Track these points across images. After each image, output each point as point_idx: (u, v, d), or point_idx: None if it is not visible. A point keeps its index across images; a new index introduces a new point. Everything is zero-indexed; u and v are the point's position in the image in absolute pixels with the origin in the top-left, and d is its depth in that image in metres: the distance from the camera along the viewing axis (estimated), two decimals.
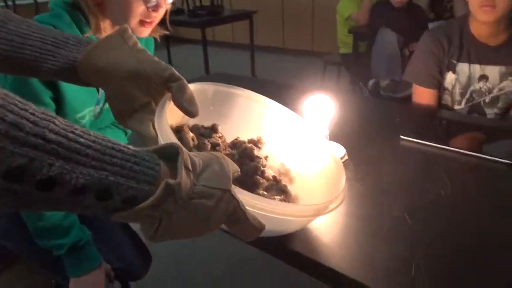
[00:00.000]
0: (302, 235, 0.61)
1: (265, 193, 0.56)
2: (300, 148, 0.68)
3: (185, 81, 0.49)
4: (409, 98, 2.03)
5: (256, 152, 0.63)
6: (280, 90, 1.32)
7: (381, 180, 0.75)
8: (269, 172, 0.62)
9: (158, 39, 0.92)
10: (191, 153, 0.37)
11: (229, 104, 0.66)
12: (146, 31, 0.81)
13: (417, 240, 0.60)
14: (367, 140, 0.92)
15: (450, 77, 1.22)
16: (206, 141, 0.58)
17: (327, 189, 0.58)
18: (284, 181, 0.63)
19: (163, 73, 0.47)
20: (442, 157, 0.84)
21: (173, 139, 0.42)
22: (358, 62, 2.56)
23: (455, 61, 1.20)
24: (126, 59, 0.47)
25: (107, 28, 0.81)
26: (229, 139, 0.65)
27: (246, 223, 0.38)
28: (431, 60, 1.22)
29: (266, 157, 0.65)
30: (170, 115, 0.50)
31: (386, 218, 0.64)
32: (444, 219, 0.64)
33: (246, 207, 0.38)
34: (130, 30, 0.50)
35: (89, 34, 0.78)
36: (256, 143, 0.66)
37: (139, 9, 0.76)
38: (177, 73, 0.49)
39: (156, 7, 0.78)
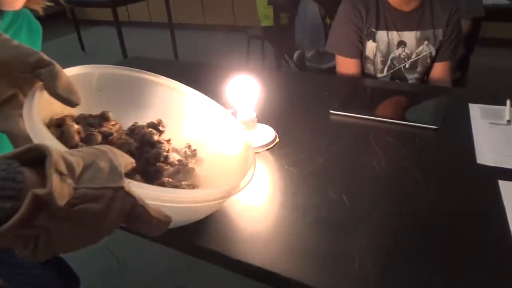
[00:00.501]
0: (225, 227, 0.56)
1: (170, 180, 0.52)
2: (207, 128, 0.64)
3: (57, 65, 0.41)
4: (334, 68, 2.06)
5: (156, 137, 0.57)
6: (202, 71, 1.23)
7: (315, 161, 0.72)
8: (174, 157, 0.58)
9: (41, 12, 0.78)
10: (68, 152, 0.32)
11: (123, 87, 0.59)
12: (19, 1, 0.67)
13: (358, 223, 0.57)
14: (297, 119, 0.88)
15: (370, 45, 1.22)
16: (95, 133, 0.51)
17: (238, 168, 0.55)
18: (191, 164, 0.59)
19: (27, 59, 0.40)
20: (372, 128, 0.83)
21: (46, 135, 0.37)
22: (281, 34, 2.53)
23: (374, 29, 1.20)
24: None
25: None
26: (128, 125, 0.59)
27: (149, 219, 0.34)
28: (351, 29, 1.21)
29: (169, 141, 0.60)
30: (47, 107, 0.44)
31: (323, 204, 0.61)
32: (381, 195, 0.62)
33: (147, 201, 0.34)
34: None
35: None
36: (156, 126, 0.60)
37: None
38: (46, 57, 0.40)
39: None
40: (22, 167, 0.28)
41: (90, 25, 5.12)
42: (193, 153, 0.62)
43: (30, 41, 0.83)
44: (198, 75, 1.19)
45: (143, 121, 0.61)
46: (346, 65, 1.25)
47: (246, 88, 0.73)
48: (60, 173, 0.29)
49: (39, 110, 0.41)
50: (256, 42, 2.99)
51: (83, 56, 4.25)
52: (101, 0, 3.11)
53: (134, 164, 0.38)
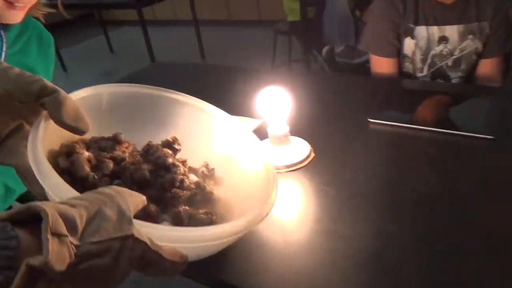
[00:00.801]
0: (249, 258, 0.51)
1: (186, 208, 0.49)
2: (225, 146, 0.60)
3: (62, 92, 0.38)
4: (367, 63, 1.96)
5: (171, 159, 0.53)
6: (229, 75, 1.18)
7: (356, 180, 0.65)
8: (191, 179, 0.55)
9: (43, 20, 0.75)
10: (69, 203, 0.29)
11: (133, 105, 0.57)
12: (17, 15, 0.64)
13: (410, 258, 0.50)
14: (332, 129, 0.82)
15: (409, 43, 1.13)
16: (106, 160, 0.48)
17: (258, 189, 0.52)
18: (209, 185, 0.56)
19: (30, 89, 0.37)
20: (416, 138, 0.75)
21: (50, 174, 0.35)
22: (308, 29, 2.44)
23: (412, 25, 1.10)
24: None
25: None
26: (143, 144, 0.56)
27: (163, 263, 0.33)
28: (387, 26, 1.12)
29: (185, 162, 0.57)
30: (56, 133, 0.42)
31: (368, 232, 0.55)
32: (433, 222, 0.55)
33: (160, 243, 0.33)
34: None
35: None
36: (171, 144, 0.57)
37: None
38: (49, 84, 0.37)
39: None
40: (17, 229, 0.26)
41: (118, 25, 5.19)
42: (211, 173, 0.58)
43: (41, 52, 0.81)
44: (225, 80, 1.14)
45: (158, 139, 0.58)
46: (382, 65, 1.16)
47: (277, 101, 0.67)
48: (59, 235, 0.26)
49: (46, 139, 0.40)
50: (283, 37, 2.91)
51: (112, 57, 4.31)
52: (126, 2, 3.12)
53: (145, 203, 0.36)
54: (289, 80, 1.11)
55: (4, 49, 0.70)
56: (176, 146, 0.57)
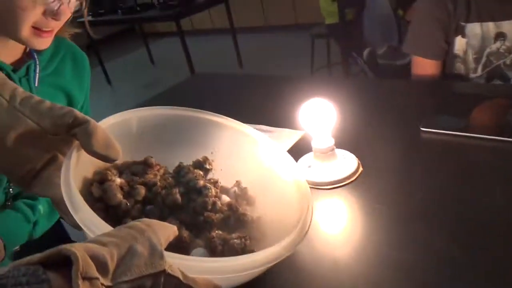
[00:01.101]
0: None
1: (220, 233, 0.49)
2: (257, 164, 0.59)
3: (92, 122, 0.40)
4: (410, 65, 1.86)
5: (202, 182, 0.53)
6: (269, 85, 1.15)
7: (412, 198, 0.60)
8: (223, 200, 0.55)
9: (69, 40, 0.76)
10: (100, 242, 0.30)
11: (164, 127, 0.58)
12: (45, 42, 0.64)
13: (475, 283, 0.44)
14: (380, 140, 0.76)
15: (460, 42, 1.04)
16: (138, 187, 0.49)
17: (293, 207, 0.51)
18: (242, 206, 0.55)
19: (62, 122, 0.38)
20: (475, 148, 0.68)
21: (82, 207, 0.36)
22: (347, 31, 2.37)
23: (463, 23, 1.02)
24: (5, 119, 0.37)
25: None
26: (174, 165, 0.57)
27: None
28: (433, 26, 1.05)
29: (216, 182, 0.57)
30: (89, 161, 0.43)
31: (432, 260, 0.49)
32: (509, 247, 0.49)
33: (193, 275, 0.33)
34: (1, 75, 0.38)
35: None
36: (202, 164, 0.58)
37: (33, 14, 0.58)
38: (79, 114, 0.39)
39: (57, 15, 0.60)
40: (48, 273, 0.26)
41: (158, 37, 5.35)
42: (243, 192, 0.57)
43: (76, 72, 0.81)
44: (265, 90, 1.12)
45: (189, 159, 0.58)
46: (425, 67, 1.09)
47: (321, 114, 0.63)
48: (90, 279, 0.27)
49: (80, 168, 0.42)
50: (320, 41, 2.85)
51: (153, 69, 4.44)
52: (165, 15, 3.20)
53: (177, 233, 0.37)
54: (330, 87, 1.07)
55: (37, 71, 0.71)
56: (207, 166, 0.58)
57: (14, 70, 0.68)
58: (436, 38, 1.05)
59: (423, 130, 0.75)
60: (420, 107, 0.84)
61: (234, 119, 0.89)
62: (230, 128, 0.60)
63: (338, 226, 0.58)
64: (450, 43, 1.05)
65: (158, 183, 0.51)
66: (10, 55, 0.68)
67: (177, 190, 0.51)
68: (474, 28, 1.02)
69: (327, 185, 0.65)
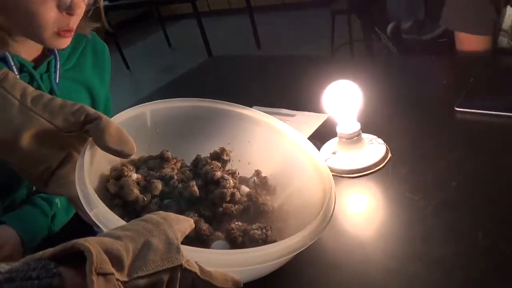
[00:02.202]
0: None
1: (239, 224, 0.48)
2: (275, 152, 0.57)
3: (105, 118, 0.39)
4: (439, 38, 1.75)
5: (219, 173, 0.52)
6: (288, 66, 1.09)
7: (447, 185, 0.55)
8: (243, 190, 0.54)
9: (89, 35, 0.74)
10: (114, 235, 0.29)
11: (178, 119, 0.57)
12: (65, 41, 0.63)
13: None
14: (411, 123, 0.71)
15: (509, 13, 0.94)
16: (155, 181, 0.49)
17: (314, 196, 0.50)
18: (262, 196, 0.55)
19: (73, 119, 0.38)
20: None
21: (95, 201, 0.36)
22: (369, 5, 2.25)
23: None
24: (18, 119, 0.37)
25: (19, 41, 0.62)
26: (192, 157, 0.56)
27: None
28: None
29: (234, 173, 0.55)
30: (104, 158, 0.44)
31: (474, 255, 0.44)
32: None
33: (212, 269, 0.32)
34: (11, 74, 0.37)
35: None
36: (219, 156, 0.57)
37: (51, 14, 0.57)
38: (91, 110, 0.39)
39: (71, 9, 0.58)
40: (61, 267, 0.25)
41: (175, 20, 5.29)
42: (263, 181, 0.56)
43: (97, 64, 0.79)
44: (284, 71, 1.06)
45: (206, 151, 0.57)
46: (473, 44, 0.97)
47: (346, 97, 0.59)
48: (104, 274, 0.26)
49: (96, 164, 0.42)
50: (341, 17, 2.73)
51: (170, 52, 4.41)
52: None
53: (193, 226, 0.36)
54: (353, 67, 1.01)
55: (58, 66, 0.70)
56: (225, 157, 0.56)
57: (35, 67, 0.67)
58: (484, 9, 0.95)
59: (458, 111, 0.69)
60: (454, 85, 0.77)
61: (254, 103, 0.86)
62: (246, 117, 0.58)
63: (365, 218, 0.54)
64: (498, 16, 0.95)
65: (175, 177, 0.51)
66: (31, 52, 0.67)
67: (194, 183, 0.50)
68: None
69: (353, 173, 0.60)
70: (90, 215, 0.36)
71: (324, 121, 0.75)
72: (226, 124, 0.59)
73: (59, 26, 0.59)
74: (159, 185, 0.48)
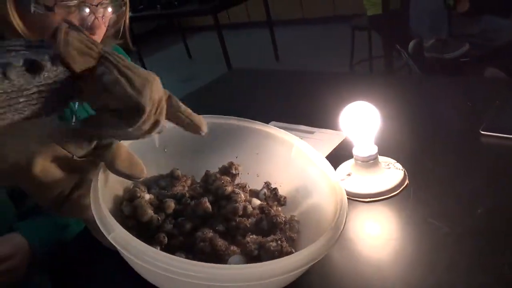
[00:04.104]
0: None
1: (254, 237, 0.48)
2: (285, 164, 0.58)
3: (115, 142, 0.40)
4: (461, 57, 1.72)
5: (230, 188, 0.52)
6: (306, 82, 1.08)
7: (472, 212, 0.52)
8: (254, 203, 0.54)
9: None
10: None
11: (185, 137, 0.55)
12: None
13: None
14: (433, 146, 0.68)
15: None
16: (167, 200, 0.50)
17: (327, 208, 0.49)
18: (274, 207, 0.54)
19: (85, 145, 0.39)
20: None
21: (112, 224, 0.37)
22: (391, 22, 2.23)
23: None
24: (30, 146, 0.36)
25: None
26: (201, 174, 0.57)
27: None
28: None
29: (245, 187, 0.56)
30: (118, 180, 0.45)
31: (492, 282, 0.42)
32: None
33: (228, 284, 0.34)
34: None
35: None
36: (228, 170, 0.57)
37: None
38: (103, 134, 0.39)
39: (91, 29, 0.60)
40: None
41: (195, 31, 5.37)
42: (273, 193, 0.56)
43: None
44: (303, 87, 1.05)
45: (215, 166, 0.58)
46: None
47: (363, 119, 0.57)
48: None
49: (109, 187, 0.44)
50: (361, 33, 2.72)
51: (190, 63, 4.46)
52: (203, 8, 3.18)
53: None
54: (373, 85, 0.99)
55: None
56: (234, 171, 0.57)
57: None
58: None
59: (484, 134, 0.66)
60: (480, 107, 0.75)
61: (272, 118, 0.85)
62: (253, 130, 0.59)
63: (383, 243, 0.51)
64: None
65: (187, 194, 0.52)
66: None
67: (206, 199, 0.51)
68: None
69: (366, 197, 0.58)
70: (109, 238, 0.36)
71: (343, 140, 0.74)
72: (234, 138, 0.59)
73: None
74: (171, 204, 0.49)
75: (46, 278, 0.62)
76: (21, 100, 0.30)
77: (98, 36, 0.63)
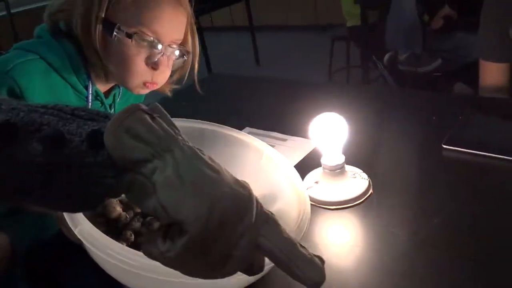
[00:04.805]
0: None
1: None
2: (253, 170, 0.57)
3: None
4: (434, 72, 1.78)
5: None
6: (284, 91, 1.10)
7: (429, 222, 0.55)
8: None
9: (169, 94, 0.79)
10: None
11: None
12: (146, 90, 0.69)
13: None
14: (397, 158, 0.71)
15: None
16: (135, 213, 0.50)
17: (290, 214, 0.49)
18: None
19: None
20: (507, 171, 0.62)
21: (79, 218, 0.37)
22: (369, 34, 2.29)
23: None
24: None
25: (109, 79, 0.71)
26: None
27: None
28: (496, 28, 0.99)
29: None
30: None
31: None
32: None
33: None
34: None
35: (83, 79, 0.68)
36: None
37: (141, 66, 0.64)
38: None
39: (156, 64, 0.65)
40: None
41: None
42: None
43: (137, 97, 0.84)
44: (281, 94, 1.07)
45: None
46: (491, 72, 1.03)
47: (332, 130, 0.59)
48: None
49: None
50: (340, 43, 2.78)
51: None
52: None
53: None
54: (347, 95, 1.02)
55: (118, 99, 0.77)
56: None
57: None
58: (499, 39, 1.00)
59: (446, 148, 0.70)
60: (445, 122, 0.78)
61: (247, 124, 0.86)
62: (227, 136, 0.60)
63: (346, 250, 0.53)
64: None
65: None
66: (106, 86, 0.74)
67: None
68: None
69: (331, 205, 0.60)
70: (75, 231, 0.36)
71: (314, 149, 0.76)
72: (205, 142, 0.60)
73: (145, 78, 0.66)
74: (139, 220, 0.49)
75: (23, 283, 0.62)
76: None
77: (162, 73, 0.67)
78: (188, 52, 0.70)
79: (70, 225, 0.37)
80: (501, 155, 0.65)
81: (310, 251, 0.29)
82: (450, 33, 1.93)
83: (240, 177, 0.59)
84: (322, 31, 3.66)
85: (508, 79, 1.02)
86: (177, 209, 0.25)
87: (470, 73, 1.44)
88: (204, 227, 0.24)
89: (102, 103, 0.73)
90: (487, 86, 1.05)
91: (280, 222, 0.52)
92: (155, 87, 0.69)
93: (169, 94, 0.79)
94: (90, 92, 0.69)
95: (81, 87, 0.68)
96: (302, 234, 0.44)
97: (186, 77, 0.76)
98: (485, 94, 1.04)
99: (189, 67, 0.74)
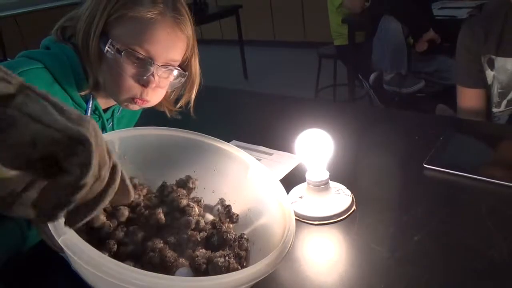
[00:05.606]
0: None
1: (203, 251, 0.49)
2: (240, 182, 0.59)
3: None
4: (417, 93, 1.83)
5: (185, 201, 0.54)
6: (269, 105, 1.12)
7: (410, 239, 0.56)
8: (207, 218, 0.56)
9: (168, 115, 0.79)
10: None
11: (146, 147, 0.59)
12: (135, 107, 0.70)
13: None
14: (380, 176, 0.72)
15: (489, 74, 1.02)
16: (121, 208, 0.50)
17: (275, 227, 0.51)
18: (225, 224, 0.56)
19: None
20: (485, 193, 0.64)
21: (63, 227, 0.35)
22: (355, 54, 2.35)
23: (493, 56, 1.00)
24: None
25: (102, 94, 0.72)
26: (158, 184, 0.58)
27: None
28: (468, 57, 1.04)
29: (200, 201, 0.58)
30: None
31: None
32: None
33: None
34: None
35: (85, 90, 0.68)
36: (185, 183, 0.58)
37: (130, 82, 0.65)
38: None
39: (145, 82, 0.65)
40: None
41: None
42: (227, 210, 0.58)
43: (133, 113, 0.85)
44: (268, 109, 1.08)
45: (172, 178, 0.58)
46: (467, 96, 1.07)
47: (317, 146, 0.60)
48: None
49: None
50: (328, 60, 2.83)
51: None
52: None
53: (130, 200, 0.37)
54: (333, 112, 1.04)
55: (118, 113, 0.78)
56: (190, 185, 0.58)
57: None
58: (472, 67, 1.04)
59: (427, 168, 0.71)
60: (426, 142, 0.80)
61: (234, 137, 0.86)
62: (213, 147, 0.61)
63: (328, 265, 0.54)
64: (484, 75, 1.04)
65: (142, 204, 0.52)
66: (107, 102, 0.75)
67: (161, 210, 0.51)
68: (502, 63, 0.99)
69: (315, 220, 0.61)
70: (58, 241, 0.35)
71: (299, 163, 0.77)
72: (193, 153, 0.60)
73: (133, 94, 0.66)
74: (125, 212, 0.49)
75: None
76: None
77: (152, 90, 0.67)
78: (185, 75, 0.71)
79: (54, 235, 0.36)
80: (476, 175, 0.67)
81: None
82: (433, 56, 2.00)
83: (225, 188, 0.60)
84: (310, 48, 3.72)
85: (484, 103, 1.07)
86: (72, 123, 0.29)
87: (451, 95, 1.49)
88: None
89: (100, 117, 0.74)
90: (463, 109, 1.09)
91: (265, 236, 0.53)
92: (147, 104, 0.70)
93: (168, 114, 0.79)
94: (90, 106, 0.70)
95: (80, 100, 0.68)
96: (287, 251, 0.44)
97: (193, 101, 0.77)
98: (463, 117, 1.08)
99: (192, 89, 0.75)
